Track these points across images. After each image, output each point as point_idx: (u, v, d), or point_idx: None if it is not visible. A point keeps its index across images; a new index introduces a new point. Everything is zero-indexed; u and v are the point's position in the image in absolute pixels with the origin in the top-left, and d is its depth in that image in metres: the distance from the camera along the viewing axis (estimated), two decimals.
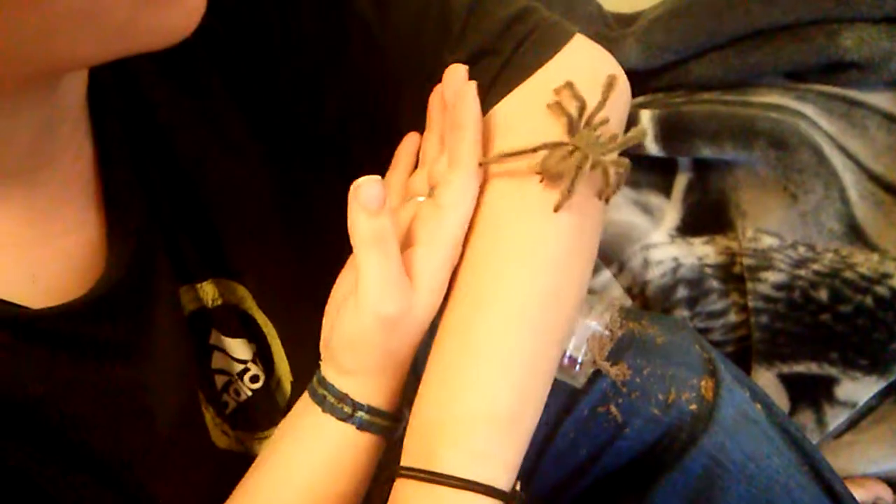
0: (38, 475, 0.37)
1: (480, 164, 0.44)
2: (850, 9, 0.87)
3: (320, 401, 0.45)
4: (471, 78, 0.46)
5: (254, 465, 0.47)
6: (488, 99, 0.47)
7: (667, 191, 0.93)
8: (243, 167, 0.50)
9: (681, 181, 0.93)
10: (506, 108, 0.47)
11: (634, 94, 1.00)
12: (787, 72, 0.91)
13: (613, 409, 0.69)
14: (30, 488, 0.37)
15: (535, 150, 0.43)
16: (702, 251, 0.90)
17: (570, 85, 0.45)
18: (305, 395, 0.47)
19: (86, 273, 0.42)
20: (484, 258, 0.43)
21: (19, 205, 0.39)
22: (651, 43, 0.95)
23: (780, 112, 0.87)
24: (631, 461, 0.69)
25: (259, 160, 0.50)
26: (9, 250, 0.39)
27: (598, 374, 0.69)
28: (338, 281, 0.48)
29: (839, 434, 0.89)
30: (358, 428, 0.45)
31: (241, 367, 0.52)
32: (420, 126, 0.51)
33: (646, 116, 0.91)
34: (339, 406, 0.45)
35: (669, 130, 0.89)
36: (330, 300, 0.48)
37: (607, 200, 0.45)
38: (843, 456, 0.87)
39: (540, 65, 0.47)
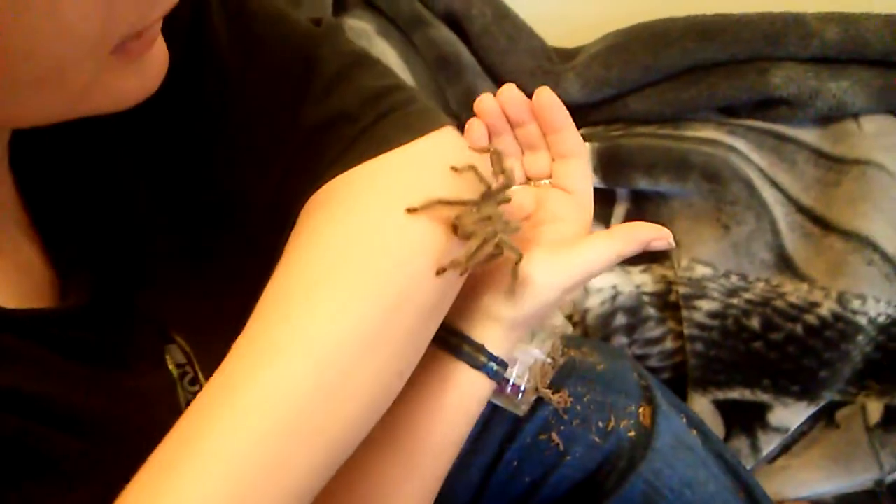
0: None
1: (409, 211, 0.40)
2: (780, 48, 0.91)
3: (455, 349, 0.48)
4: (324, 141, 0.44)
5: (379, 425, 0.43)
6: (333, 169, 0.43)
7: (606, 221, 0.95)
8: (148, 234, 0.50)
9: (619, 211, 0.95)
10: (352, 176, 0.43)
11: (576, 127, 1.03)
12: (721, 107, 0.94)
13: (555, 436, 0.69)
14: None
15: (472, 203, 0.42)
16: (639, 279, 0.92)
17: (473, 167, 0.44)
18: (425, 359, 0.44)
19: (42, 288, 0.42)
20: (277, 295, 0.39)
21: None
22: (590, 77, 0.98)
23: (713, 146, 0.90)
24: (572, 489, 0.70)
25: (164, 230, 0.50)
26: None
27: (540, 401, 0.70)
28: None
29: (772, 459, 0.92)
30: (489, 376, 0.48)
31: (180, 370, 0.52)
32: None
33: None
34: (476, 356, 0.48)
35: (608, 162, 0.91)
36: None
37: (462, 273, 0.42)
38: (776, 480, 0.89)
39: (399, 143, 0.43)
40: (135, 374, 0.45)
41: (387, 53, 1.05)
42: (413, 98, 0.47)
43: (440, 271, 0.40)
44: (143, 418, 0.41)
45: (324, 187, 0.43)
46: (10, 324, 0.38)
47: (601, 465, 0.69)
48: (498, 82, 1.04)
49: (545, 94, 0.53)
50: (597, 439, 0.69)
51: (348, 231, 0.40)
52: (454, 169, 0.43)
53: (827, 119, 0.92)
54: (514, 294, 0.47)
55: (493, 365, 0.48)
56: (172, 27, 0.39)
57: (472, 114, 1.03)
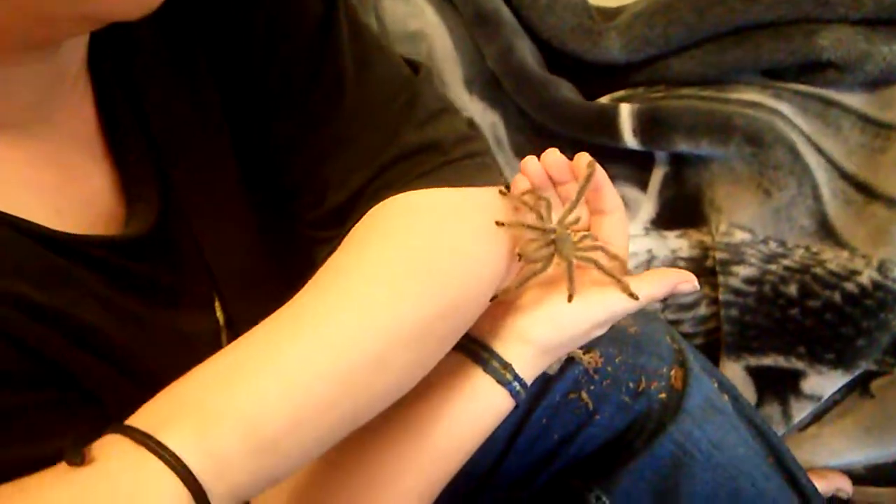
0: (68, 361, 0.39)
1: (498, 224, 0.50)
2: (828, 9, 0.88)
3: (484, 363, 0.51)
4: (413, 162, 0.51)
5: (383, 416, 0.45)
6: (417, 183, 0.50)
7: (643, 184, 0.94)
8: (218, 146, 0.53)
9: (657, 175, 0.94)
10: (435, 194, 0.50)
11: (615, 88, 1.01)
12: (765, 70, 0.92)
13: (585, 395, 0.70)
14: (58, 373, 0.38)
15: (546, 229, 0.52)
16: (675, 244, 0.91)
17: (532, 191, 0.53)
18: (447, 361, 0.49)
19: (107, 217, 0.45)
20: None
21: (36, 154, 0.42)
22: (633, 37, 0.96)
23: (757, 109, 0.88)
24: (600, 447, 0.70)
25: (230, 142, 0.53)
26: (33, 190, 0.42)
27: (570, 360, 0.70)
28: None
29: (804, 427, 0.91)
30: (511, 394, 0.51)
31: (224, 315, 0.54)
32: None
33: (625, 110, 0.92)
34: (502, 372, 0.51)
35: (647, 124, 0.90)
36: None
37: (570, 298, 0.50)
38: (806, 448, 0.89)
39: (479, 183, 0.52)
40: (183, 316, 0.46)
41: (425, 10, 1.04)
42: (489, 150, 0.56)
43: (493, 298, 0.49)
44: (184, 361, 0.42)
45: (405, 195, 0.49)
46: (67, 247, 0.40)
47: (630, 426, 0.69)
48: (537, 40, 1.03)
49: (585, 158, 0.56)
50: (627, 399, 0.69)
51: (425, 240, 0.47)
52: (523, 202, 0.52)
53: (875, 83, 0.89)
54: (571, 298, 0.50)
55: (517, 385, 0.51)
56: (304, 13, 0.49)
57: (508, 71, 1.02)
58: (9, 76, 0.40)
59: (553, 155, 0.58)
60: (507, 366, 0.51)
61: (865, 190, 0.87)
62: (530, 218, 0.52)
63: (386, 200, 0.49)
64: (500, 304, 0.53)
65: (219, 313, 0.51)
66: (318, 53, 0.51)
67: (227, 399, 0.36)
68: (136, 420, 0.36)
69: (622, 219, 0.57)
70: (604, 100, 1.00)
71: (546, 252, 0.51)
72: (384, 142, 0.52)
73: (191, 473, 0.34)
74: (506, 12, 1.02)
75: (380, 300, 0.43)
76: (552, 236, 0.52)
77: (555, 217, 0.57)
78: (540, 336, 0.52)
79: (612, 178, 0.95)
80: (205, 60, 0.51)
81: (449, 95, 1.04)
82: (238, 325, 0.54)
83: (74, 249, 0.41)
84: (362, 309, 0.42)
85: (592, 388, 0.70)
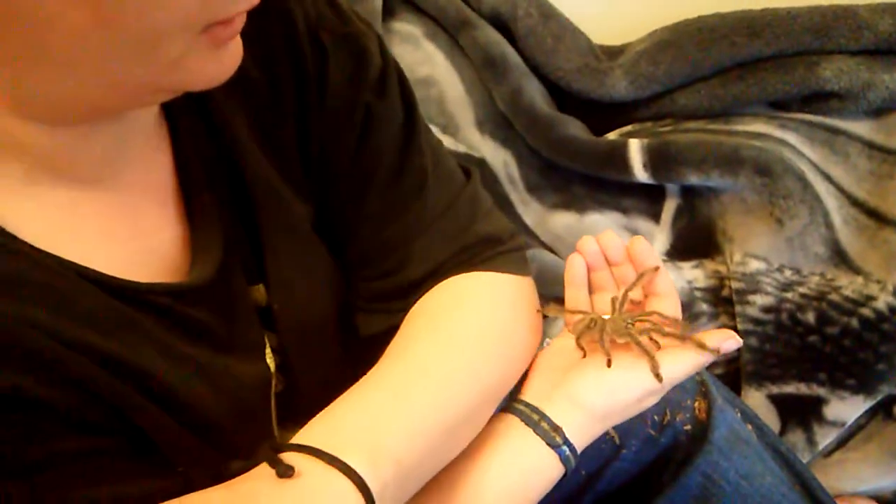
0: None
1: (539, 311, 0.59)
2: (829, 41, 0.90)
3: (534, 424, 0.53)
4: (479, 249, 0.60)
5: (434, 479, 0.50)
6: (480, 266, 0.59)
7: (656, 217, 0.96)
8: (293, 188, 0.56)
9: (669, 207, 0.95)
10: (497, 277, 0.60)
11: (623, 124, 1.03)
12: (771, 101, 0.94)
13: (611, 430, 0.70)
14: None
15: (585, 313, 0.58)
16: (691, 275, 0.92)
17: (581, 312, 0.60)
18: (499, 421, 0.54)
19: (172, 267, 0.48)
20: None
21: (108, 206, 0.45)
22: (638, 74, 0.98)
23: (764, 140, 0.90)
24: (628, 482, 0.70)
25: (304, 196, 0.57)
26: (103, 242, 0.44)
27: None
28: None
29: (829, 453, 0.91)
30: (560, 458, 0.52)
31: (279, 358, 0.56)
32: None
33: (634, 145, 0.94)
34: (552, 434, 0.52)
35: (657, 158, 0.92)
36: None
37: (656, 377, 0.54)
38: (832, 474, 0.89)
39: (522, 272, 0.62)
40: (237, 362, 0.48)
41: (434, 56, 1.06)
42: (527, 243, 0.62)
43: (657, 375, 0.53)
44: (236, 406, 0.44)
45: (473, 274, 0.58)
46: (133, 296, 0.42)
47: (657, 459, 0.70)
48: (545, 81, 1.05)
49: (640, 242, 0.61)
50: (653, 433, 0.70)
51: (484, 320, 0.56)
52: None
53: (879, 111, 0.91)
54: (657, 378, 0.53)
55: (566, 449, 0.52)
56: (393, 111, 0.57)
57: (518, 112, 1.04)
58: (82, 134, 0.42)
59: (610, 237, 0.62)
60: (557, 429, 0.53)
61: (876, 216, 0.88)
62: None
63: (457, 277, 0.58)
64: (555, 370, 0.56)
65: (269, 360, 0.53)
66: (406, 148, 0.59)
67: (390, 436, 0.44)
68: (311, 441, 0.42)
69: (676, 300, 0.60)
70: (612, 135, 1.02)
71: (592, 334, 0.55)
72: (459, 230, 0.60)
73: (370, 494, 0.41)
74: (513, 55, 1.04)
75: (468, 366, 0.52)
76: (597, 319, 0.56)
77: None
78: (591, 401, 0.53)
79: (625, 210, 0.97)
80: (293, 125, 0.55)
81: (462, 136, 1.06)
82: (293, 372, 0.56)
83: (139, 298, 0.43)
84: (460, 372, 0.51)
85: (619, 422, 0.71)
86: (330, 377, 0.56)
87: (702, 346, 0.53)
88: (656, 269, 0.60)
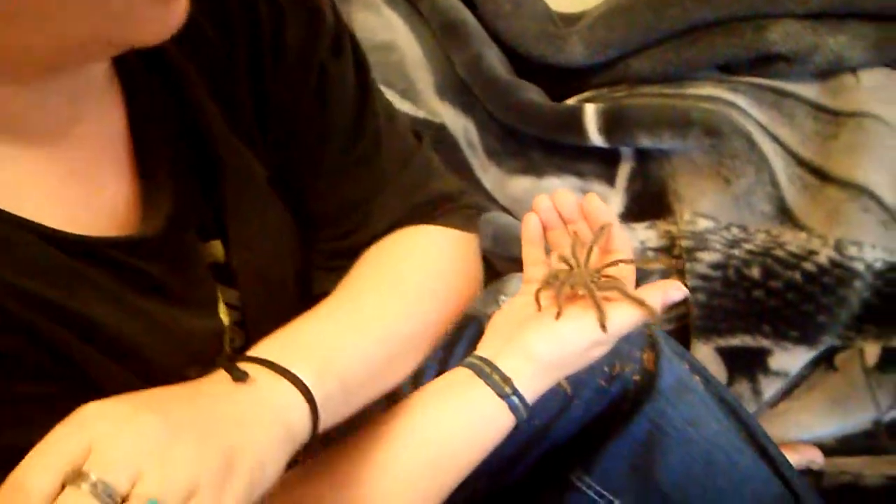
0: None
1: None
2: (777, 5, 0.93)
3: (486, 376, 0.54)
4: (434, 205, 0.63)
5: (381, 426, 0.53)
6: (438, 221, 0.63)
7: (611, 180, 0.98)
8: (250, 147, 0.57)
9: (623, 170, 0.98)
10: (447, 232, 0.64)
11: (581, 90, 1.05)
12: (721, 65, 0.96)
13: (563, 381, 0.73)
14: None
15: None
16: (644, 235, 0.95)
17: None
18: (452, 374, 0.56)
19: (124, 222, 0.48)
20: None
21: (60, 163, 0.45)
22: (594, 40, 1.00)
23: (714, 103, 0.92)
24: (579, 431, 0.73)
25: (262, 157, 0.58)
26: (52, 199, 0.44)
27: None
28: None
29: (774, 403, 0.95)
30: (510, 408, 0.53)
31: (238, 314, 0.57)
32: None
33: (590, 110, 0.96)
34: (502, 385, 0.54)
35: (612, 122, 0.94)
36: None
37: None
38: (777, 423, 0.93)
39: (469, 228, 0.65)
40: (189, 316, 0.49)
41: (394, 22, 1.07)
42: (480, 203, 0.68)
43: (603, 326, 0.54)
44: (191, 358, 0.46)
45: (422, 227, 0.62)
46: (78, 248, 0.43)
47: (607, 408, 0.72)
48: (504, 47, 1.06)
49: (593, 199, 0.62)
50: (603, 383, 0.72)
51: (426, 266, 0.60)
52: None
53: (825, 73, 0.94)
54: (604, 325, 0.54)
55: (516, 399, 0.54)
56: (347, 75, 0.59)
57: (477, 78, 1.05)
58: (34, 91, 0.42)
59: (563, 194, 0.63)
60: (507, 380, 0.54)
61: (820, 174, 0.91)
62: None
63: (407, 229, 0.62)
64: (509, 326, 0.58)
65: (223, 315, 0.54)
66: (360, 108, 0.61)
67: (337, 352, 0.49)
68: (264, 355, 0.45)
69: (629, 256, 0.62)
70: (570, 101, 1.04)
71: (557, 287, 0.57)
72: (414, 188, 0.63)
73: (314, 403, 0.44)
74: (472, 21, 1.05)
75: (408, 304, 0.56)
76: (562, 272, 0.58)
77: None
78: (540, 352, 0.55)
79: (581, 174, 1.00)
80: (250, 84, 0.56)
81: (422, 102, 1.07)
82: (252, 328, 0.57)
83: (88, 251, 0.44)
84: (401, 309, 0.56)
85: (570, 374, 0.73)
86: None
87: (644, 305, 0.55)
88: (610, 225, 0.61)
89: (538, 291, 0.58)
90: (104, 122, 0.49)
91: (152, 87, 0.51)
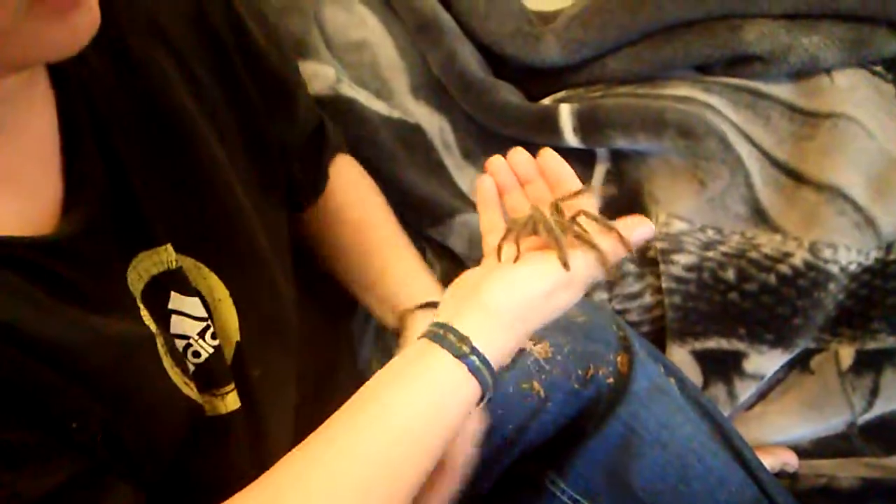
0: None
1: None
2: (752, 5, 0.92)
3: (440, 339, 0.50)
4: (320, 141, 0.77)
5: (347, 404, 0.49)
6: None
7: (586, 181, 0.97)
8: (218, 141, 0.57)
9: (599, 172, 0.97)
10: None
11: (556, 90, 1.04)
12: (696, 65, 0.96)
13: (537, 384, 0.72)
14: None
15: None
16: None
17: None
18: (409, 348, 0.52)
19: (48, 225, 0.47)
20: None
21: None
22: (569, 39, 0.99)
23: (689, 103, 0.92)
24: (553, 435, 0.72)
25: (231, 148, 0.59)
26: None
27: (522, 352, 0.72)
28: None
29: (750, 406, 0.95)
30: (469, 369, 0.49)
31: (201, 324, 0.55)
32: None
33: (565, 110, 0.95)
34: (458, 345, 0.49)
35: (587, 122, 0.93)
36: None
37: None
38: (753, 426, 0.92)
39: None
40: (115, 321, 0.47)
41: (367, 19, 1.06)
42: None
43: (564, 264, 0.51)
44: (124, 363, 0.44)
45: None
46: None
47: (581, 411, 0.72)
48: (479, 46, 1.05)
49: (550, 154, 0.60)
50: (577, 386, 0.72)
51: None
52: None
53: (800, 74, 0.94)
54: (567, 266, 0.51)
55: (476, 359, 0.49)
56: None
57: (452, 77, 1.04)
58: None
59: (517, 152, 0.60)
60: (464, 338, 0.50)
61: (795, 176, 0.91)
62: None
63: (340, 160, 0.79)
64: (465, 287, 0.53)
65: (147, 321, 0.51)
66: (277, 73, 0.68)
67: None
68: None
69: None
70: (545, 101, 1.03)
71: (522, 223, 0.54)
72: (312, 154, 0.75)
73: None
74: (447, 20, 1.04)
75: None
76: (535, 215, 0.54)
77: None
78: (496, 302, 0.51)
79: None
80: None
81: (397, 102, 1.06)
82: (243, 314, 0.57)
83: (2, 252, 0.42)
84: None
85: (544, 377, 0.73)
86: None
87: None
88: (580, 191, 0.57)
89: (500, 242, 0.54)
90: (33, 123, 0.47)
91: (78, 98, 0.50)
